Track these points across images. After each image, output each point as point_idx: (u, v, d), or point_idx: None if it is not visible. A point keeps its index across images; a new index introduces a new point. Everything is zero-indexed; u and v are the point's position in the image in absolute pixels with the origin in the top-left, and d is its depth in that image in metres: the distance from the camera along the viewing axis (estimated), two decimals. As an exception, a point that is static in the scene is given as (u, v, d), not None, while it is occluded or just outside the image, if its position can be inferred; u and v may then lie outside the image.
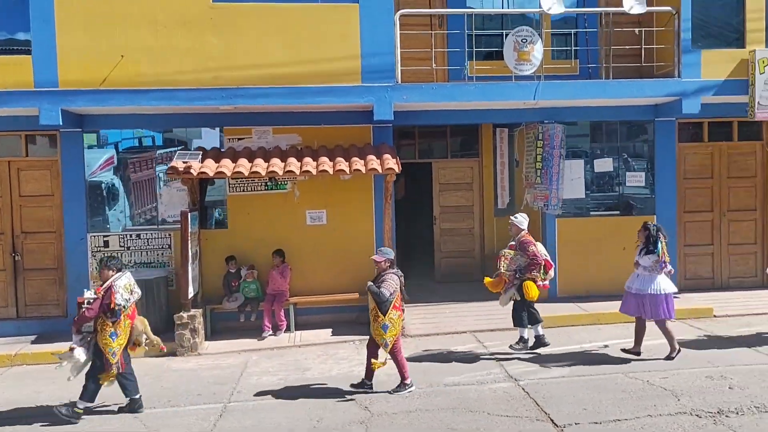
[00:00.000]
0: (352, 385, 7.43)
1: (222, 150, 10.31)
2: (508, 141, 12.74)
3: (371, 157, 9.94)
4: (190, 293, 9.47)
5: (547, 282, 8.53)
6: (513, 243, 8.62)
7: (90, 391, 6.90)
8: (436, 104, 10.42)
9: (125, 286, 6.90)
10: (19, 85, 9.39)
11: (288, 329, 10.22)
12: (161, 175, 10.51)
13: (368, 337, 9.77)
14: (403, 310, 7.46)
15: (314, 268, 10.64)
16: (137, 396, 7.06)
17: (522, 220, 8.65)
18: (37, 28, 9.42)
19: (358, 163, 9.72)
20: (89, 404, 6.94)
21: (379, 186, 10.71)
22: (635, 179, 11.40)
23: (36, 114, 9.55)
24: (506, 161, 12.86)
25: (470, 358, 8.50)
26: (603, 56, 11.24)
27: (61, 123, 9.42)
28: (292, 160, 9.78)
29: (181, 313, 9.37)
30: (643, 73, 11.12)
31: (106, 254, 9.95)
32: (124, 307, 6.81)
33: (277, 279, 10.18)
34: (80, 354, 6.80)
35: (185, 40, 9.61)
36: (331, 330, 10.22)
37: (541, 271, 8.37)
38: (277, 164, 9.62)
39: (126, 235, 10.44)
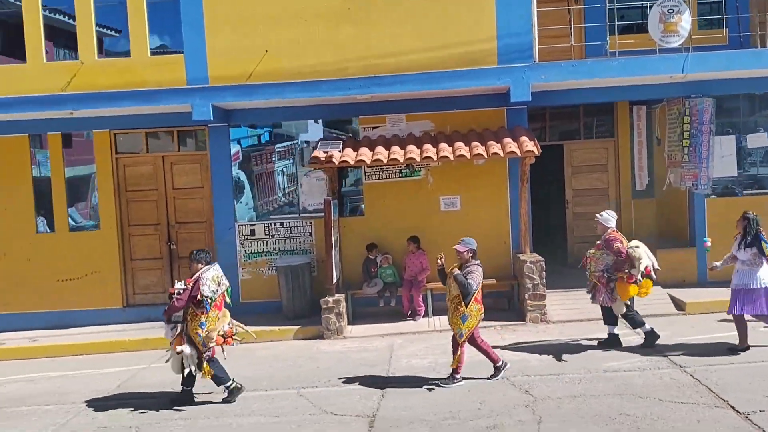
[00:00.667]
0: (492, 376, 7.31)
1: (357, 139, 10.52)
2: (645, 119, 12.16)
3: (508, 140, 9.80)
4: (334, 278, 9.75)
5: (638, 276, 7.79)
6: (599, 242, 8.13)
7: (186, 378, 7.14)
8: (574, 83, 10.09)
9: (213, 278, 6.96)
10: (174, 83, 10.00)
11: (426, 314, 10.30)
12: (283, 168, 10.96)
13: (506, 322, 9.77)
14: (483, 304, 7.28)
15: (449, 254, 10.59)
16: (230, 383, 7.07)
17: (608, 217, 8.13)
18: (188, 30, 10.01)
19: (495, 147, 9.61)
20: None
21: (514, 170, 10.56)
22: (795, 154, 10.59)
23: (187, 110, 10.17)
24: (644, 140, 12.27)
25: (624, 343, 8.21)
26: (756, 23, 10.46)
27: (211, 118, 9.95)
28: (427, 146, 9.82)
29: (327, 298, 9.66)
30: (801, 40, 10.28)
31: (244, 239, 10.49)
32: (211, 298, 6.86)
33: (412, 265, 10.28)
34: (187, 348, 6.92)
35: (323, 32, 9.88)
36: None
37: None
38: (413, 151, 9.70)
39: (270, 223, 10.90)
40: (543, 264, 9.75)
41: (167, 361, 7.32)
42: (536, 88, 10.05)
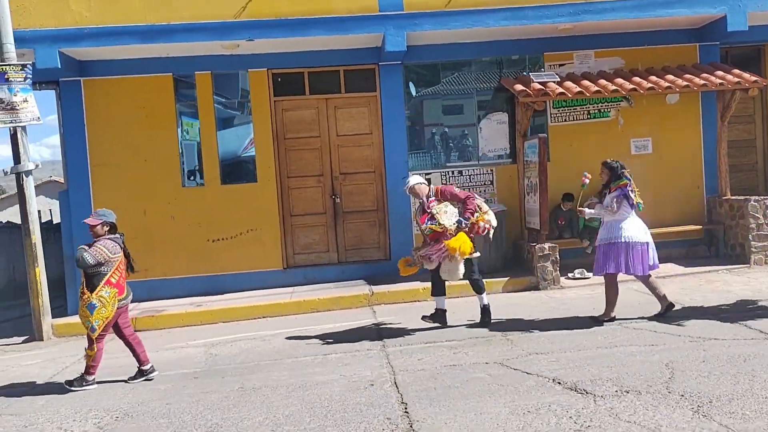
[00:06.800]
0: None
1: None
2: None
3: (721, 73, 9.22)
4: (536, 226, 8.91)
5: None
6: (432, 199, 6.84)
7: None
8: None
9: None
10: (363, 10, 8.90)
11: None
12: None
13: (725, 267, 9.12)
14: (124, 289, 5.93)
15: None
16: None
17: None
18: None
19: (725, 77, 9.08)
20: None
21: (708, 109, 9.99)
22: None
23: (352, 48, 9.32)
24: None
25: None
26: None
27: (405, 49, 8.93)
28: (638, 80, 9.16)
29: (543, 245, 8.80)
30: None
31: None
32: None
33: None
34: None
35: (529, -48, 9.02)
36: (670, 263, 9.48)
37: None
38: (624, 85, 9.00)
39: (447, 171, 9.93)
40: (767, 202, 9.19)
41: None
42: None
